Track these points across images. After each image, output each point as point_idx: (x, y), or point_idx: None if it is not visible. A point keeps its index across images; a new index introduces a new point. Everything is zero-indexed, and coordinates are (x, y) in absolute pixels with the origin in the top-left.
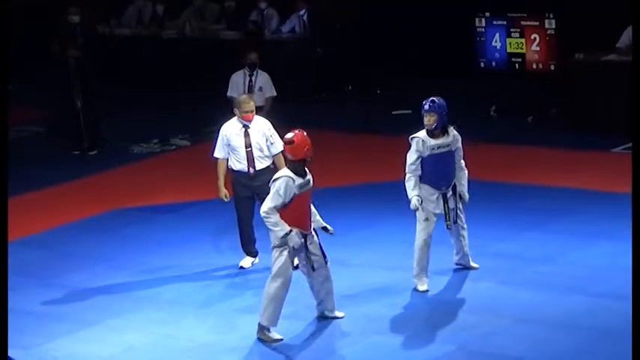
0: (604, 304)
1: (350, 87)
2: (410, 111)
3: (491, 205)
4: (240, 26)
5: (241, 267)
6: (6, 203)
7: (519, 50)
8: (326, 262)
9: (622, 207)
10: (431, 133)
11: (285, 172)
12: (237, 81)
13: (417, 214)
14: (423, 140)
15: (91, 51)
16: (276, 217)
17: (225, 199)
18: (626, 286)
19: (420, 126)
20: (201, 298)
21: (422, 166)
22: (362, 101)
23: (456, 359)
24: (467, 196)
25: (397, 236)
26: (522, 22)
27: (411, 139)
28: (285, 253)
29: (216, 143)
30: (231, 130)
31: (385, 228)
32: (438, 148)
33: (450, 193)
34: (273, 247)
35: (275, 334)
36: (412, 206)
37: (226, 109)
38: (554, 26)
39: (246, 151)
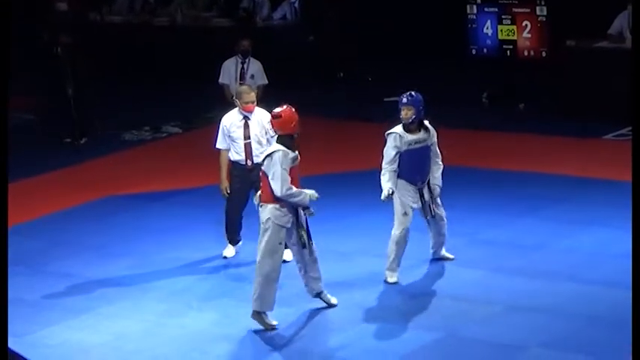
0: (595, 291)
1: (341, 74)
2: None
3: (482, 192)
4: (231, 13)
5: (225, 257)
6: (6, 203)
7: (511, 37)
8: (312, 242)
9: (614, 194)
10: (407, 128)
11: (277, 146)
12: (229, 68)
13: (395, 209)
14: (400, 135)
15: (82, 38)
16: (294, 189)
17: (227, 194)
18: (618, 273)
19: None
20: (194, 286)
21: (399, 162)
22: (353, 88)
23: (447, 346)
24: (438, 190)
25: (386, 224)
26: (514, 9)
27: (388, 134)
28: (277, 236)
29: (217, 134)
30: (231, 120)
31: (374, 215)
32: (415, 143)
33: (425, 187)
34: (264, 230)
35: (271, 320)
36: (382, 196)
37: (217, 95)
38: (545, 13)
39: (245, 143)
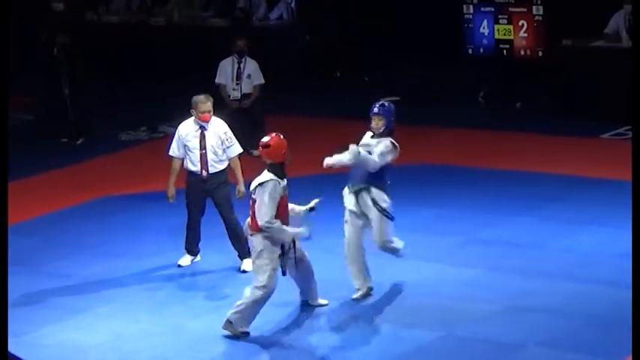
0: (594, 291)
1: (338, 74)
2: (398, 97)
3: (479, 192)
4: (228, 13)
5: (179, 265)
6: (6, 206)
7: (507, 37)
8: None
9: (611, 193)
10: (375, 136)
11: (268, 175)
12: (226, 67)
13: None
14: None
15: (79, 38)
16: (278, 223)
17: (171, 200)
18: (616, 272)
19: (407, 112)
20: (190, 286)
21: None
22: (350, 88)
23: (446, 345)
24: (353, 148)
25: None
26: (510, 9)
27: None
28: (271, 263)
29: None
30: (187, 130)
31: None
32: (363, 146)
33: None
34: (257, 257)
35: (243, 327)
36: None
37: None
38: (541, 12)
39: (200, 154)
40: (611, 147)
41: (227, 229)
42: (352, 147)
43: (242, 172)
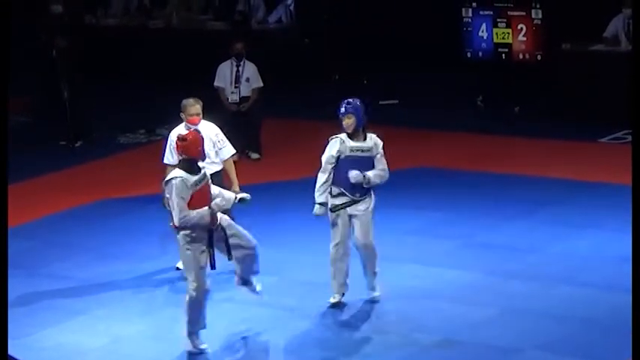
0: (591, 294)
1: (337, 77)
2: (397, 101)
3: (478, 195)
4: (226, 16)
5: (177, 268)
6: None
7: (506, 40)
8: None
9: (610, 197)
10: (351, 136)
11: (176, 172)
12: (225, 71)
13: (330, 220)
14: (342, 140)
15: (78, 41)
16: (189, 214)
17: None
18: (614, 276)
19: (406, 115)
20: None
21: (338, 168)
22: (348, 91)
23: (443, 349)
24: (369, 177)
25: (382, 225)
26: (509, 12)
27: (330, 138)
28: (194, 260)
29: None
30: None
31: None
32: (357, 150)
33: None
34: (181, 255)
35: (201, 344)
36: (314, 212)
37: (212, 98)
38: (540, 16)
39: None
40: (609, 151)
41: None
42: (371, 177)
43: (238, 175)
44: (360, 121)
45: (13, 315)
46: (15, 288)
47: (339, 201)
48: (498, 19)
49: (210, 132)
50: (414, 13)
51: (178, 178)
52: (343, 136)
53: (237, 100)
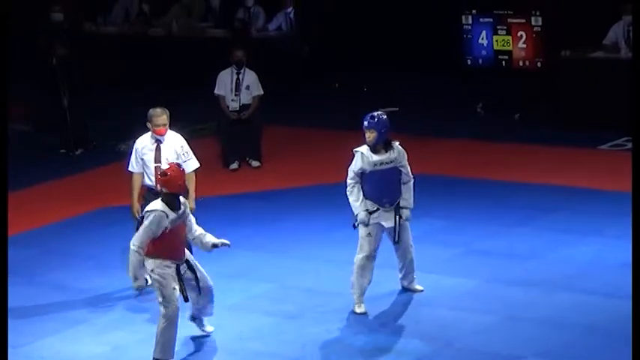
0: (591, 301)
1: (337, 84)
2: (397, 108)
3: (478, 203)
4: (226, 24)
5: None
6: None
7: (506, 47)
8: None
9: (609, 204)
10: (373, 149)
11: (158, 205)
12: (225, 79)
13: (360, 230)
14: (363, 154)
15: (78, 49)
16: (138, 255)
17: (138, 216)
18: (614, 283)
19: (406, 122)
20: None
21: (365, 182)
22: (349, 99)
23: (444, 356)
24: (407, 213)
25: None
26: (509, 20)
27: (355, 151)
28: (162, 283)
29: (130, 157)
30: (144, 144)
31: None
32: (381, 164)
33: (393, 210)
34: (151, 277)
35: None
36: (360, 221)
37: (213, 106)
38: (540, 23)
39: (155, 167)
40: (608, 158)
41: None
42: (407, 212)
43: (240, 183)
44: (380, 137)
45: (13, 323)
46: (14, 296)
47: (379, 215)
48: (498, 27)
49: (176, 143)
50: (414, 20)
51: (160, 212)
52: (364, 149)
53: (238, 108)
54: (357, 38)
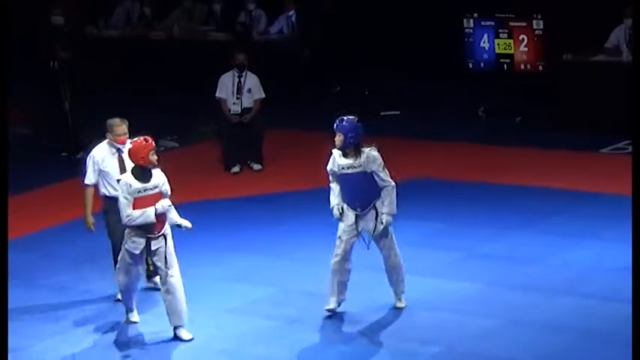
0: (591, 305)
1: (338, 88)
2: (398, 112)
3: (479, 206)
4: (228, 27)
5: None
6: (6, 221)
7: (507, 51)
8: (167, 273)
9: (610, 208)
10: (343, 152)
11: (126, 175)
12: (227, 82)
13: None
14: (334, 157)
15: (79, 52)
16: (134, 213)
17: (92, 228)
18: (614, 286)
19: (407, 126)
20: (188, 298)
21: (340, 184)
22: (350, 102)
23: None
24: (387, 219)
25: None
26: (510, 23)
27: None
28: (126, 254)
29: (86, 169)
30: (102, 154)
31: None
32: (348, 168)
33: (369, 215)
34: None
35: (133, 316)
36: (333, 214)
37: (214, 109)
38: (542, 27)
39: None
40: (610, 162)
41: None
42: (386, 218)
43: (239, 186)
44: (347, 140)
45: (13, 326)
46: (15, 299)
47: (348, 221)
48: (500, 30)
49: None
50: (415, 24)
51: (124, 181)
52: (336, 152)
53: (239, 112)
54: (358, 41)
